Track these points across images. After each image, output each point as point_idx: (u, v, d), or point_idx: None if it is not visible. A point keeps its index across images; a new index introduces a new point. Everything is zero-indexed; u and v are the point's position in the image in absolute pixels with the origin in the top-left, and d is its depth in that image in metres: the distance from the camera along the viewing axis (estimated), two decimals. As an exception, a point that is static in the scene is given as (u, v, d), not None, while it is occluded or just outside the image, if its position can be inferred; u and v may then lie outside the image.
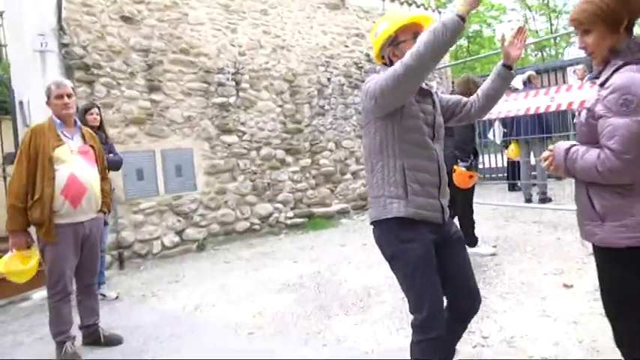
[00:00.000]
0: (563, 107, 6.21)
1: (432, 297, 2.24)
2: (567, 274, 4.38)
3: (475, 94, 2.55)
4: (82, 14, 6.43)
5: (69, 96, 3.63)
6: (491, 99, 2.51)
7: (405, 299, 2.34)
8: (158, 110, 7.03)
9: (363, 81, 8.39)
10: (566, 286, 4.12)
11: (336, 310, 4.25)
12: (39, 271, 3.66)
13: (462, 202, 5.26)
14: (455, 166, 5.03)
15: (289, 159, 8.51)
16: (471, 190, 5.33)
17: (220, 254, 7.02)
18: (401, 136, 2.26)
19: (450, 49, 2.29)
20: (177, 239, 7.15)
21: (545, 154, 2.10)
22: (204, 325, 4.25)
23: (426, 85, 2.44)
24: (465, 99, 2.59)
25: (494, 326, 3.53)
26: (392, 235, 2.30)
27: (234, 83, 7.86)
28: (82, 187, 3.58)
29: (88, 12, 6.48)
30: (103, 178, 3.87)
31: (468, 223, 5.31)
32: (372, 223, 2.40)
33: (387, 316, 3.94)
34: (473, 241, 5.31)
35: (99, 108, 5.22)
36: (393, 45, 2.35)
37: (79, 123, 3.79)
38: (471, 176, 5.09)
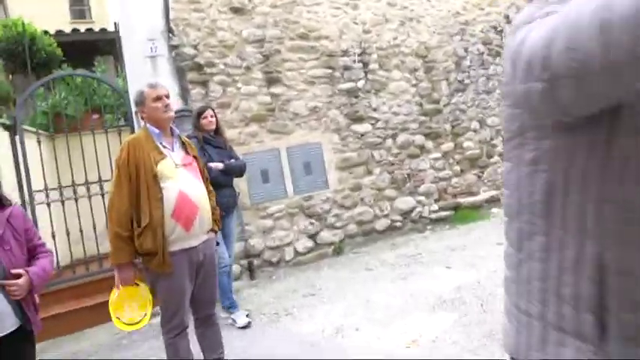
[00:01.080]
0: None
1: None
2: None
3: None
4: (190, 12, 6.01)
5: (167, 97, 3.10)
6: None
7: None
8: (280, 104, 6.44)
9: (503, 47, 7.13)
10: None
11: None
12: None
13: None
14: None
15: (429, 144, 7.52)
16: None
17: (360, 259, 6.26)
18: (606, 183, 0.90)
19: None
20: (311, 244, 6.51)
21: None
22: (348, 356, 3.57)
23: None
24: None
25: None
26: None
27: (361, 65, 7.05)
28: (193, 207, 2.99)
29: (196, 9, 6.04)
30: (209, 192, 3.27)
31: None
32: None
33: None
34: None
35: (213, 110, 4.76)
36: None
37: (177, 131, 3.20)
38: None
